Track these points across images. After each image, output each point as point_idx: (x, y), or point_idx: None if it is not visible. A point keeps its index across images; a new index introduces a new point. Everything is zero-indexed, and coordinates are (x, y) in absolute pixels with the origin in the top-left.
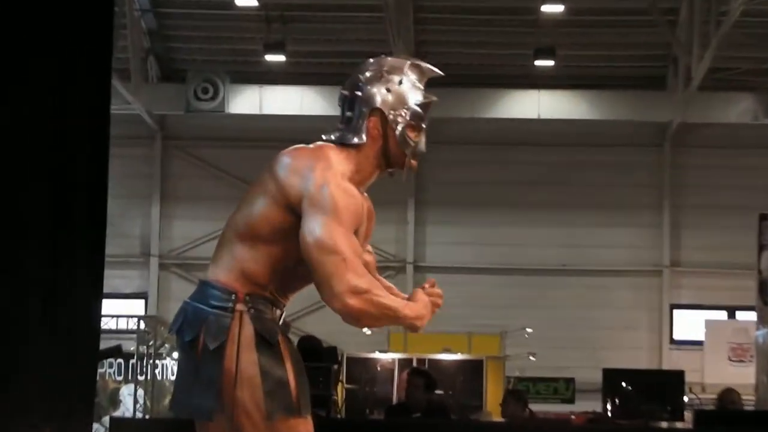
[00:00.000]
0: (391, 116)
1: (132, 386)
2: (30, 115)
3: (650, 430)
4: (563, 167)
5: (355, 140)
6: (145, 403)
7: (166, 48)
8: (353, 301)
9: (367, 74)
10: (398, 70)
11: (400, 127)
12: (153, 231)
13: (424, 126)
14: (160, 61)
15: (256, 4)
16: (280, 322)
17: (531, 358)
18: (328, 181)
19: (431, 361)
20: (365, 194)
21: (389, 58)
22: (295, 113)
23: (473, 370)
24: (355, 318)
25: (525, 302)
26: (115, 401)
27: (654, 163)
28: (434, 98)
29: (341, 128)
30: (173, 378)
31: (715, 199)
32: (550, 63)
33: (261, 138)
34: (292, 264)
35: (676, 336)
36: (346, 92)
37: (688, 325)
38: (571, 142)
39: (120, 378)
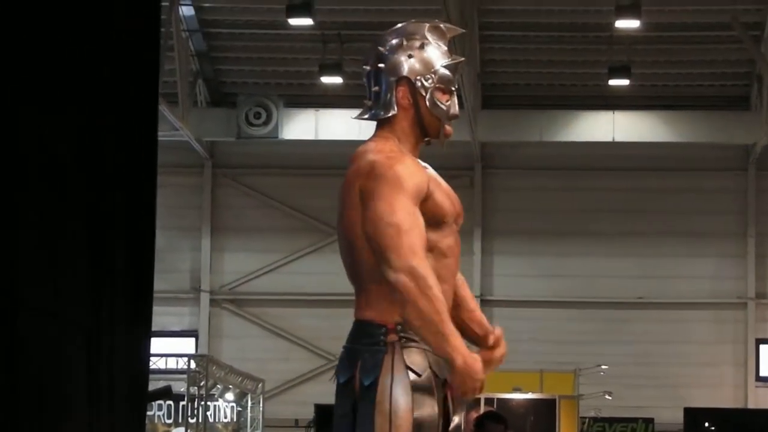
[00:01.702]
0: (419, 83)
1: (182, 430)
2: (74, 143)
3: None
4: (639, 193)
5: (389, 113)
6: None
7: (215, 71)
8: (405, 279)
9: (389, 45)
10: (418, 35)
11: (428, 92)
12: (203, 265)
13: (453, 89)
14: (209, 84)
15: (311, 23)
16: None
17: (607, 397)
18: (373, 163)
19: (500, 400)
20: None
21: (408, 25)
22: (353, 138)
23: (545, 410)
24: (405, 297)
25: (600, 337)
26: None
27: (737, 188)
28: (461, 58)
29: (370, 105)
30: (226, 420)
31: None
32: (626, 82)
33: (317, 165)
34: (426, 251)
35: (763, 372)
36: (368, 67)
37: None
38: (648, 167)
39: (170, 421)
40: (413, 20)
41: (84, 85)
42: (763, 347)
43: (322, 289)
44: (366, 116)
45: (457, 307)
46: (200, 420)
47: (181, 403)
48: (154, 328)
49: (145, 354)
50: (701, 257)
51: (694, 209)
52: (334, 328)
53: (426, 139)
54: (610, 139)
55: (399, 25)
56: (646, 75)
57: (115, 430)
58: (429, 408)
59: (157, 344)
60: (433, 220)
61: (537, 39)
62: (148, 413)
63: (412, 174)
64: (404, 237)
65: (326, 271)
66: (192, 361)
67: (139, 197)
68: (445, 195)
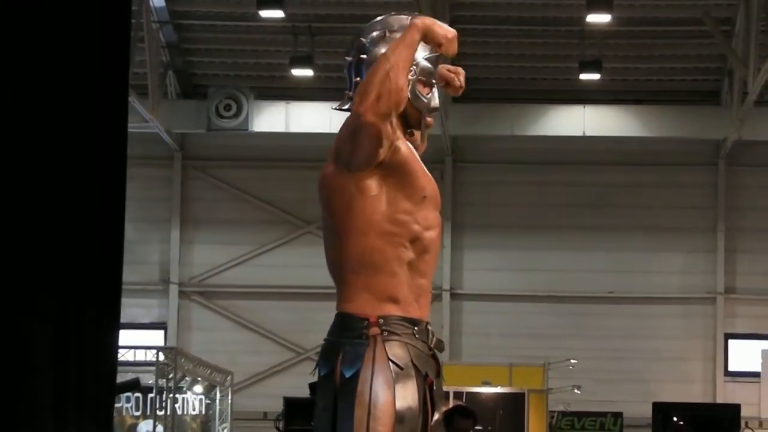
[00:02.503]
0: None
1: (151, 422)
2: (42, 134)
3: None
4: (610, 187)
5: None
6: None
7: (185, 62)
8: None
9: (370, 36)
10: (398, 29)
11: (410, 84)
12: (173, 257)
13: (434, 81)
14: (179, 76)
15: (282, 15)
16: (430, 338)
17: (576, 391)
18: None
19: (469, 394)
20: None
21: (389, 17)
22: (324, 131)
23: (514, 404)
24: (368, 82)
25: (569, 332)
26: None
27: (708, 183)
28: (440, 52)
29: (351, 96)
30: (194, 413)
31: None
32: (597, 76)
33: (287, 158)
34: (398, 249)
35: (732, 367)
36: (350, 58)
37: (744, 355)
38: (619, 161)
39: (138, 413)
40: (393, 13)
41: (53, 76)
42: (731, 342)
43: (292, 282)
44: (346, 107)
45: None
46: (169, 412)
47: (150, 396)
48: (122, 320)
49: (114, 346)
50: (671, 252)
51: (664, 204)
52: (304, 321)
53: (408, 130)
54: (580, 134)
55: (380, 17)
56: (617, 69)
57: (83, 422)
58: (410, 401)
59: (125, 336)
60: (408, 185)
61: (508, 33)
62: (116, 405)
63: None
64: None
65: (296, 264)
66: (161, 354)
67: (109, 189)
68: (423, 171)
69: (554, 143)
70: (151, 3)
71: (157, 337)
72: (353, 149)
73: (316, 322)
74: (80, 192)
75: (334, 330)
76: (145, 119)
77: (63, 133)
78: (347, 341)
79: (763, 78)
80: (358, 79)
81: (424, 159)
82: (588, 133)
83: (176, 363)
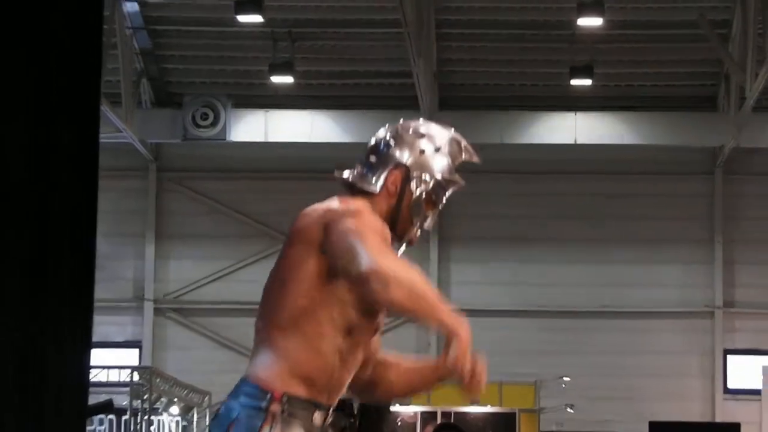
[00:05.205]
0: (414, 180)
1: None
2: (9, 144)
3: None
4: (603, 198)
5: (371, 187)
6: None
7: (160, 69)
8: (385, 263)
9: (404, 130)
10: (439, 138)
11: (418, 192)
12: (147, 273)
13: (440, 205)
14: (154, 84)
15: (260, 20)
16: (326, 423)
17: (569, 410)
18: (342, 206)
19: (457, 414)
20: None
21: (432, 124)
22: (304, 140)
23: (505, 424)
24: (382, 280)
25: (562, 348)
26: None
27: (704, 193)
28: (462, 182)
29: (359, 170)
30: None
31: None
32: (588, 82)
33: (267, 168)
34: (340, 338)
35: (731, 384)
36: (378, 139)
37: (745, 372)
38: (612, 170)
39: None
40: (440, 124)
41: (20, 84)
42: (731, 358)
43: None
44: (350, 177)
45: (399, 373)
46: None
47: (124, 418)
48: (94, 339)
49: (85, 366)
50: (667, 264)
51: (659, 214)
52: None
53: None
54: (572, 141)
55: (426, 120)
56: (610, 75)
57: None
58: None
59: (98, 356)
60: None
61: (496, 37)
62: (88, 428)
63: (383, 225)
64: (372, 236)
65: None
66: (135, 374)
67: (80, 202)
68: None
69: (544, 152)
70: (124, 8)
71: (131, 356)
72: (347, 278)
73: None
74: (49, 205)
75: (236, 393)
76: (118, 129)
77: (30, 144)
78: (245, 410)
79: (761, 83)
80: (373, 159)
81: None
82: (579, 141)
83: (151, 383)
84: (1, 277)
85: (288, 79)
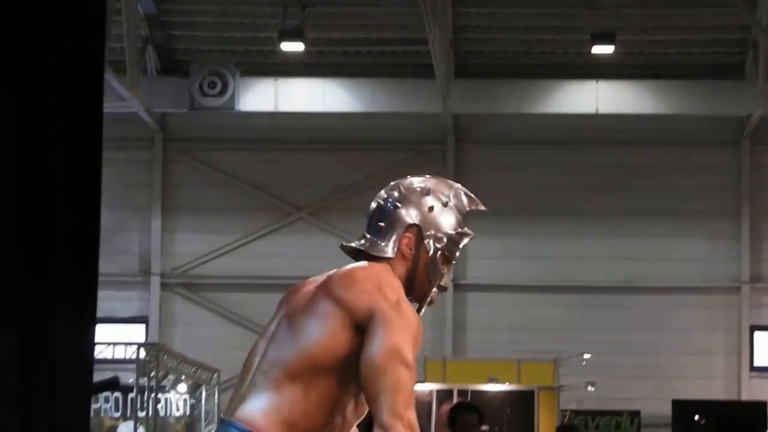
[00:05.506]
0: (428, 239)
1: (131, 424)
2: (11, 114)
3: None
4: (625, 169)
5: (386, 255)
6: None
7: (166, 36)
8: (405, 422)
9: (408, 189)
10: (442, 193)
11: (433, 251)
12: (153, 246)
13: (454, 260)
14: (160, 51)
15: None
16: None
17: (589, 388)
18: (401, 297)
19: (474, 392)
20: None
21: (432, 179)
22: (315, 110)
23: (523, 402)
24: None
25: (582, 324)
26: None
27: (730, 164)
28: (472, 233)
29: (369, 238)
30: (178, 414)
31: None
32: (610, 49)
33: (276, 139)
34: (349, 401)
35: (757, 362)
36: (383, 202)
37: None
38: (634, 141)
39: (118, 414)
40: (440, 177)
41: (22, 52)
42: (757, 334)
43: (281, 272)
44: (361, 247)
45: None
46: (150, 413)
47: (130, 396)
48: (99, 314)
49: (90, 342)
50: (691, 238)
51: (683, 186)
52: None
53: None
54: (593, 111)
55: (426, 176)
56: (633, 41)
57: (57, 425)
58: None
59: (103, 331)
60: None
61: (515, 2)
62: (94, 406)
63: (420, 333)
64: (410, 383)
65: (286, 253)
66: (141, 350)
67: (84, 174)
68: None
69: (565, 121)
70: None
71: (137, 333)
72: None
73: None
74: (52, 177)
75: None
76: (122, 98)
77: (31, 114)
78: None
79: None
80: (382, 224)
81: (425, 140)
82: (601, 111)
83: (158, 360)
84: (4, 250)
85: (298, 46)
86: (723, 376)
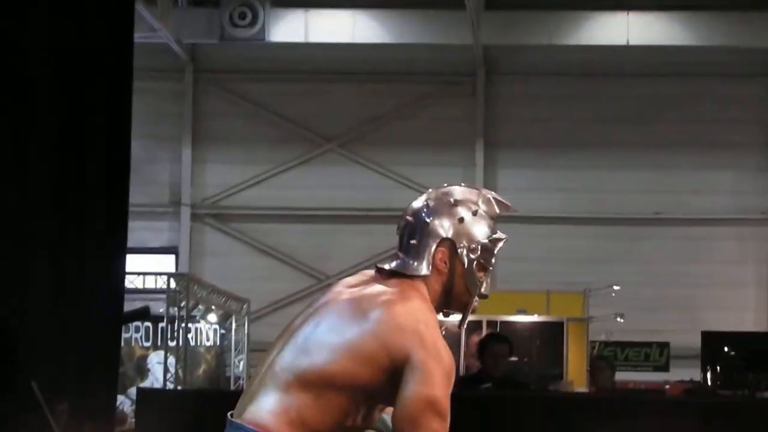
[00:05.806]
0: (462, 250)
1: (161, 353)
2: (44, 45)
3: (757, 403)
4: (655, 100)
5: (421, 272)
6: (176, 372)
7: None
8: None
9: (436, 201)
10: (470, 201)
11: (467, 261)
12: (184, 177)
13: (491, 267)
14: None
15: None
16: None
17: (619, 319)
18: (437, 338)
19: (504, 323)
20: None
21: (458, 188)
22: (346, 41)
23: (552, 333)
24: None
25: (612, 256)
26: (142, 370)
27: (762, 96)
28: (505, 236)
29: (402, 257)
30: (208, 344)
31: None
32: None
33: (306, 70)
34: (360, 411)
35: None
36: (411, 218)
37: None
38: (665, 72)
39: (148, 344)
40: (465, 185)
41: None
42: None
43: (311, 204)
44: (395, 267)
45: None
46: (181, 343)
47: (160, 325)
48: (130, 244)
49: (121, 272)
50: (721, 169)
51: (714, 118)
52: (324, 246)
53: (445, 310)
54: (624, 42)
55: (452, 185)
56: None
57: (89, 353)
58: None
59: (134, 261)
60: None
61: None
62: (124, 335)
63: (453, 372)
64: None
65: (317, 185)
66: (172, 280)
67: (114, 104)
68: None
69: (595, 53)
70: None
71: (167, 263)
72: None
73: (337, 247)
74: (83, 107)
75: None
76: (153, 28)
77: (63, 44)
78: None
79: None
80: (414, 241)
81: (455, 72)
82: (632, 42)
83: (188, 290)
84: (35, 179)
85: None
86: (753, 308)
